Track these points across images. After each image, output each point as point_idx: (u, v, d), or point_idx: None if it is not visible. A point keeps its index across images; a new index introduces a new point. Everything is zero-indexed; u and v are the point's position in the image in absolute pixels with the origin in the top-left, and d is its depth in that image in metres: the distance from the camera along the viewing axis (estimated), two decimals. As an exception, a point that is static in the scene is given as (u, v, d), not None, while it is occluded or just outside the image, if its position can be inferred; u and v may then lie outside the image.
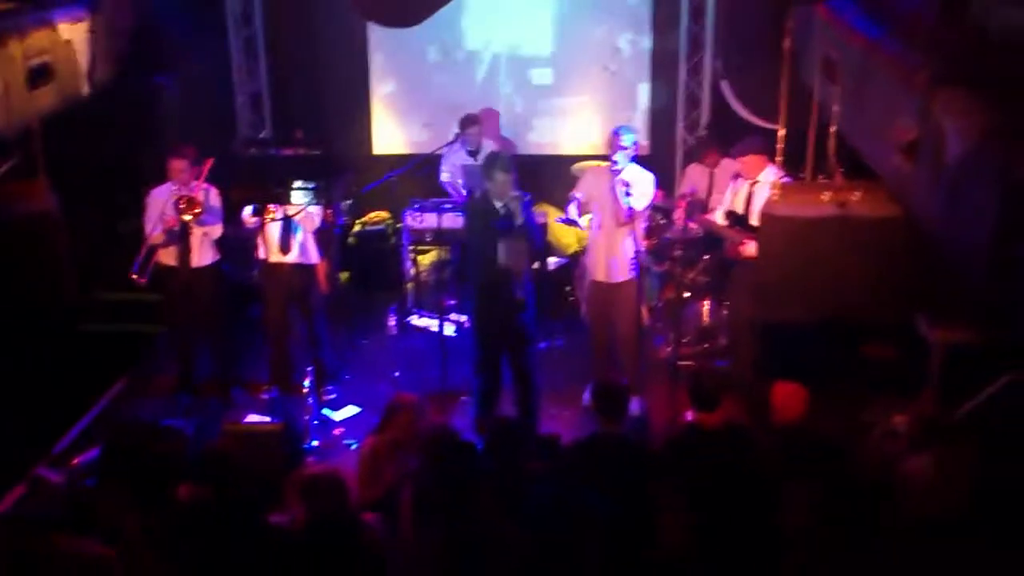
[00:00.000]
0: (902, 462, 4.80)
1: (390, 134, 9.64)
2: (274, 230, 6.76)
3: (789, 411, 5.05)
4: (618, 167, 6.50)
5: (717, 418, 4.93)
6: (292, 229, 6.76)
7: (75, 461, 5.60)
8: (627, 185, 6.47)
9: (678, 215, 7.52)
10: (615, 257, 6.68)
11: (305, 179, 5.31)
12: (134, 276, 6.64)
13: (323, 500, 4.21)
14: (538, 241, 6.24)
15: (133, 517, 4.30)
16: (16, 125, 5.68)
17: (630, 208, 6.49)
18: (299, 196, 5.53)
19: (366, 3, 6.21)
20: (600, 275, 6.79)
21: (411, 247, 8.33)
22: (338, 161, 6.61)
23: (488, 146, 8.37)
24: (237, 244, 7.30)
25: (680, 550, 4.49)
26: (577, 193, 6.78)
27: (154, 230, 6.73)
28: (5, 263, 5.63)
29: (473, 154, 8.27)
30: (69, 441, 6.67)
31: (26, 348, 6.84)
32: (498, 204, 6.12)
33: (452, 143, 8.38)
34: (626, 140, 6.53)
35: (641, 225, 6.93)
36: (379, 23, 8.31)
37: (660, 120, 9.41)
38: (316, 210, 6.67)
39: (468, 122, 8.34)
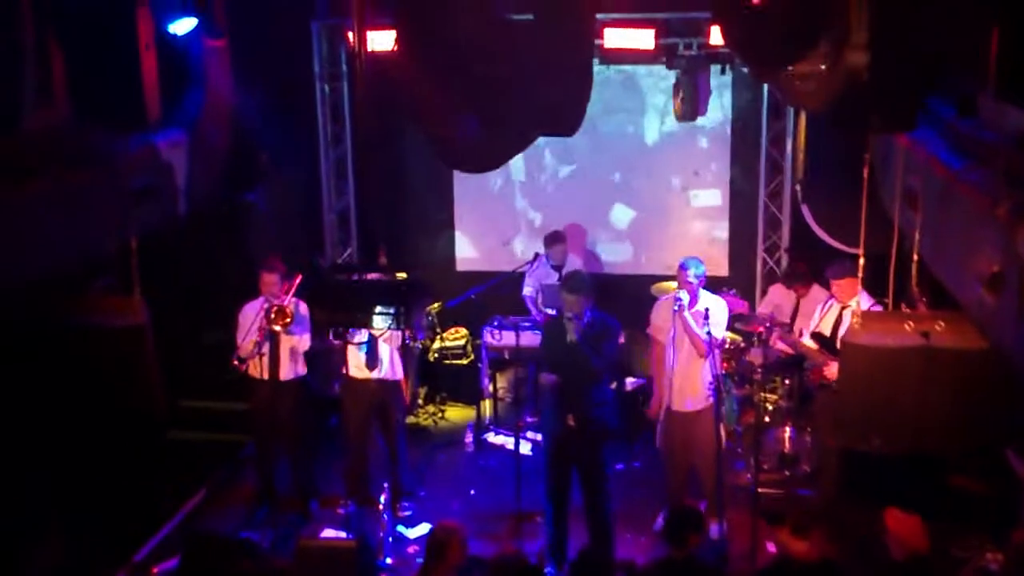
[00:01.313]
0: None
1: (472, 251, 9.85)
2: (359, 347, 6.91)
3: (913, 542, 4.78)
4: (681, 303, 6.46)
5: (809, 549, 4.80)
6: (377, 346, 6.89)
7: (155, 570, 5.68)
8: (704, 317, 6.42)
9: (761, 332, 7.47)
10: (692, 385, 6.59)
11: (386, 305, 5.45)
12: (235, 362, 6.86)
13: None
14: (603, 365, 6.19)
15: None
16: (118, 244, 5.97)
17: (709, 338, 6.45)
18: (380, 321, 5.68)
19: (449, 153, 6.45)
20: (676, 404, 6.69)
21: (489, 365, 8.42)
22: (419, 287, 6.76)
23: (573, 262, 8.46)
24: (323, 357, 7.46)
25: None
26: (649, 329, 6.79)
27: (245, 340, 6.93)
28: (99, 376, 5.84)
29: (558, 269, 8.36)
30: (150, 549, 6.78)
31: (115, 455, 7.02)
32: (568, 325, 6.13)
33: (533, 261, 8.50)
34: (692, 275, 6.50)
35: (717, 351, 6.87)
36: (461, 170, 8.55)
37: (739, 243, 9.46)
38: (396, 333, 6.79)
39: (552, 240, 8.47)
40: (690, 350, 6.52)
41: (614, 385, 8.05)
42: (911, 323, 5.31)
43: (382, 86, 5.91)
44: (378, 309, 5.46)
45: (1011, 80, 4.51)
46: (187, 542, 5.83)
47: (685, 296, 6.48)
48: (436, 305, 8.37)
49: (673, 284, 7.55)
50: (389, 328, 6.18)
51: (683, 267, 6.54)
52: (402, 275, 6.12)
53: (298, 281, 7.04)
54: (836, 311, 6.92)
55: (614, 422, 6.42)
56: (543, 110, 5.63)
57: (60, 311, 5.86)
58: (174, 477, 7.65)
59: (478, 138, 5.66)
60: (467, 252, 9.87)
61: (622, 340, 8.07)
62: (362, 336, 6.81)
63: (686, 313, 6.42)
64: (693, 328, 6.39)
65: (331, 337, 6.74)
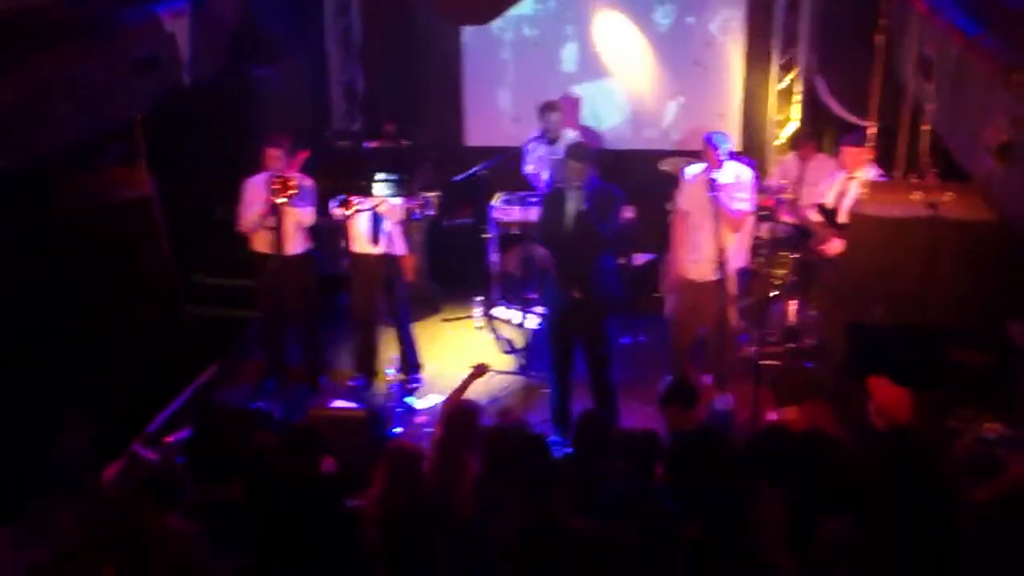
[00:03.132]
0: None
1: (482, 127, 9.73)
2: (362, 221, 6.90)
3: (896, 413, 4.83)
4: (716, 183, 6.32)
5: (802, 418, 4.86)
6: (379, 221, 6.89)
7: (168, 440, 5.82)
8: (727, 189, 6.34)
9: (769, 207, 7.41)
10: (711, 257, 6.52)
11: (388, 171, 5.41)
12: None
13: (402, 469, 4.30)
14: (610, 234, 6.13)
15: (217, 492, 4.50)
16: (120, 114, 5.93)
17: (740, 211, 6.39)
18: (381, 188, 5.63)
19: (441, 1, 6.30)
20: (693, 274, 6.69)
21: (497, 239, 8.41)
22: (420, 153, 6.71)
23: (568, 135, 8.33)
24: (328, 234, 7.47)
25: (776, 545, 4.44)
26: (681, 203, 6.71)
27: (249, 214, 6.93)
28: (107, 246, 5.87)
29: (553, 143, 8.20)
30: (163, 420, 6.92)
31: (129, 328, 7.10)
32: (571, 195, 6.07)
33: (534, 138, 8.40)
34: (723, 150, 6.39)
35: (748, 222, 6.80)
36: (452, 21, 8.36)
37: (752, 115, 9.30)
38: (400, 202, 6.78)
39: (547, 108, 8.25)
40: (714, 223, 6.43)
41: (623, 260, 8.06)
42: (919, 194, 5.27)
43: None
44: (380, 176, 5.43)
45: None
46: (199, 413, 5.95)
47: (718, 175, 6.37)
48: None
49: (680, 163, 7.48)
50: (391, 196, 6.16)
51: (713, 144, 6.38)
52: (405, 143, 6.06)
53: (304, 156, 6.99)
54: (841, 182, 6.84)
55: (620, 293, 6.40)
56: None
57: (67, 185, 5.88)
58: (188, 351, 7.76)
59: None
60: (477, 128, 9.75)
61: (631, 214, 8.09)
62: (363, 205, 6.77)
63: (721, 192, 6.33)
64: (727, 205, 6.32)
65: (335, 204, 6.71)
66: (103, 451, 5.96)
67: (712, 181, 6.33)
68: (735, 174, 6.48)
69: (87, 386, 6.20)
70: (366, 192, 6.52)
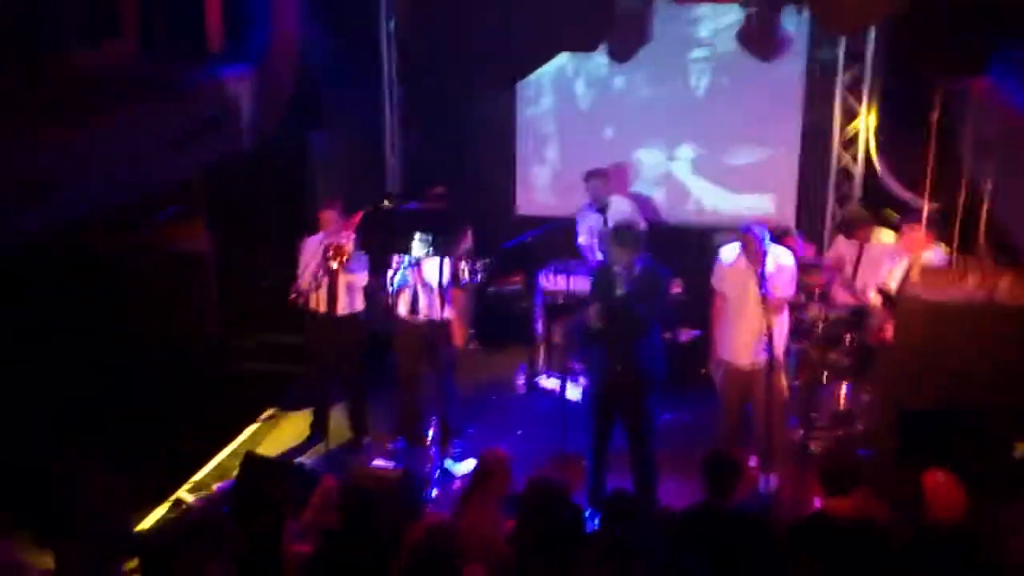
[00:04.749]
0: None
1: (533, 195, 9.80)
2: (407, 289, 6.95)
3: (950, 507, 4.64)
4: (767, 279, 6.27)
5: (849, 506, 4.70)
6: (428, 289, 6.91)
7: (214, 488, 5.85)
8: (769, 277, 6.28)
9: (822, 285, 7.30)
10: (752, 339, 6.45)
11: (424, 231, 5.50)
12: (293, 295, 6.94)
13: (430, 549, 4.24)
14: (655, 314, 6.11)
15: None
16: (182, 172, 6.08)
17: (779, 298, 6.33)
18: (419, 247, 5.74)
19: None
20: (733, 356, 6.60)
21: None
22: (460, 216, 6.79)
23: (616, 203, 8.33)
24: (379, 296, 7.52)
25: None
26: (718, 286, 6.68)
27: (303, 275, 7.01)
28: (160, 296, 5.98)
29: (601, 211, 8.23)
30: (210, 470, 6.97)
31: (180, 381, 7.20)
32: (617, 275, 6.07)
33: (584, 208, 8.41)
34: (765, 244, 6.32)
35: (786, 306, 6.74)
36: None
37: (810, 193, 9.23)
38: (441, 264, 6.76)
39: (591, 176, 8.29)
40: (754, 308, 6.37)
41: (668, 335, 7.98)
42: (975, 277, 5.15)
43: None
44: (417, 235, 5.51)
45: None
46: (243, 464, 5.97)
47: (752, 256, 6.32)
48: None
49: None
50: (428, 255, 6.23)
51: (756, 237, 6.32)
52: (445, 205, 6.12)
53: (357, 218, 7.09)
54: (905, 266, 6.70)
55: (662, 372, 6.33)
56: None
57: (127, 238, 6.02)
58: (234, 405, 7.83)
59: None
60: (527, 198, 9.82)
61: (678, 289, 8.03)
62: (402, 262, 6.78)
63: (755, 278, 6.26)
64: (771, 292, 6.24)
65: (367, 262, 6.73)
66: (148, 497, 6.03)
67: (761, 277, 6.25)
68: (776, 262, 6.41)
69: (134, 433, 6.27)
70: (404, 250, 6.58)
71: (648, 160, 9.47)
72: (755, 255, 6.32)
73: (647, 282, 6.06)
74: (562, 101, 9.58)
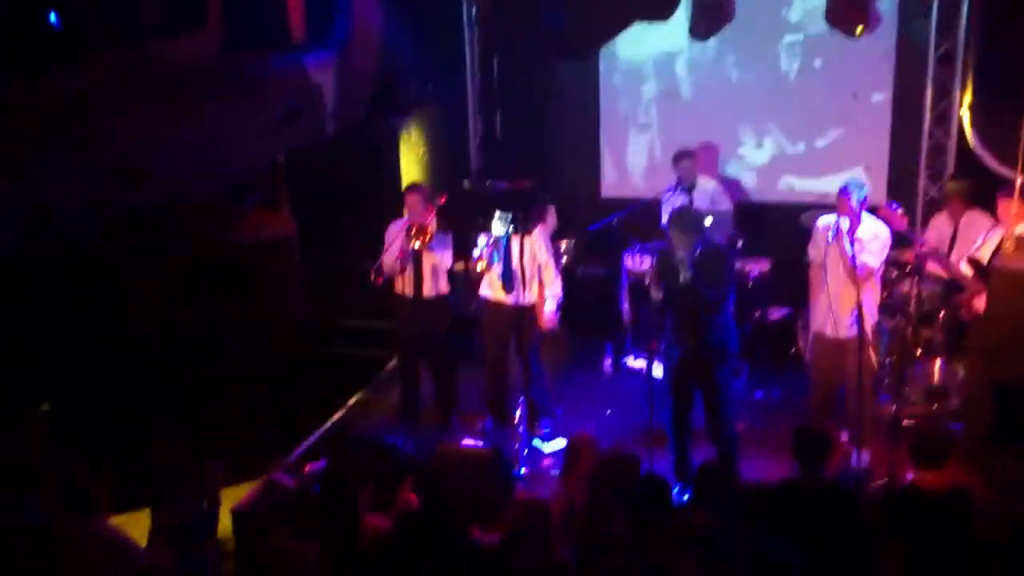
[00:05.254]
0: None
1: (620, 177, 9.77)
2: (496, 269, 7.01)
3: None
4: (839, 230, 6.25)
5: (942, 480, 4.62)
6: (513, 270, 6.96)
7: (307, 469, 6.01)
8: (860, 242, 6.23)
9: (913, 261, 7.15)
10: (844, 312, 6.40)
11: (504, 209, 5.57)
12: (373, 275, 7.00)
13: (527, 524, 4.30)
14: (721, 293, 6.10)
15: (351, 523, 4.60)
16: (266, 159, 6.25)
17: (864, 266, 6.24)
18: (499, 224, 5.80)
19: None
20: (828, 329, 6.55)
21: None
22: (541, 194, 6.83)
23: (703, 183, 8.27)
24: (463, 278, 7.61)
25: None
26: (813, 256, 6.62)
27: (388, 257, 7.14)
28: (249, 282, 6.16)
29: (689, 191, 8.18)
30: (303, 450, 7.16)
31: (276, 366, 7.40)
32: (678, 260, 6.06)
33: (670, 189, 8.37)
34: (855, 200, 6.26)
35: (878, 279, 6.64)
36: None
37: (902, 170, 9.02)
38: (523, 243, 6.80)
39: (679, 157, 8.25)
40: (844, 277, 6.32)
41: (758, 314, 7.91)
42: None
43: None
44: (497, 213, 5.57)
45: None
46: (334, 444, 6.12)
47: (845, 223, 6.27)
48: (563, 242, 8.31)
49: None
50: (508, 232, 6.29)
51: (845, 193, 6.30)
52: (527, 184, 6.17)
53: (442, 201, 7.18)
54: (998, 238, 6.52)
55: (734, 345, 6.33)
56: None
57: (213, 226, 6.21)
58: (325, 389, 8.02)
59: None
60: (612, 179, 9.80)
61: (766, 268, 7.94)
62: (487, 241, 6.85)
63: (845, 240, 6.22)
64: (848, 255, 6.20)
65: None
66: (241, 476, 6.23)
67: (835, 227, 6.23)
68: (872, 230, 6.33)
69: (229, 415, 6.48)
70: (485, 227, 6.63)
71: (738, 142, 9.36)
72: (844, 210, 6.27)
73: (708, 263, 6.06)
74: (646, 84, 9.52)
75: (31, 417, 5.20)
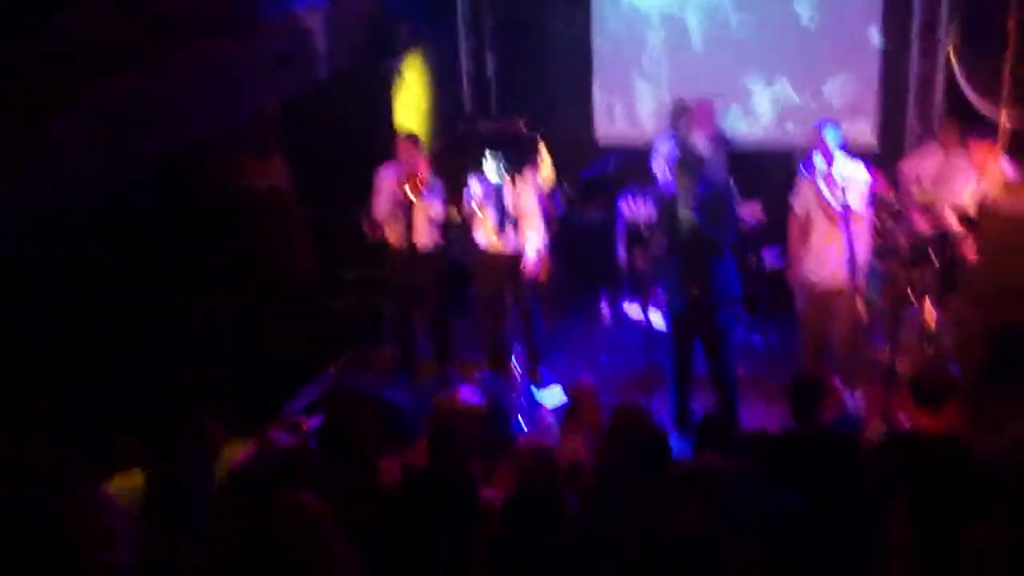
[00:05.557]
0: None
1: (614, 121, 9.68)
2: (489, 215, 6.96)
3: None
4: (815, 170, 6.24)
5: (940, 423, 4.64)
6: (507, 215, 6.93)
7: (303, 425, 6.01)
8: (838, 184, 6.20)
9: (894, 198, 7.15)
10: (829, 259, 6.41)
11: (495, 149, 5.52)
12: (366, 224, 6.96)
13: (535, 474, 4.32)
14: (725, 235, 6.10)
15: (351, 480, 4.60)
16: (258, 106, 6.13)
17: (845, 208, 6.21)
18: (490, 165, 5.77)
19: None
20: (815, 276, 6.57)
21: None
22: (530, 137, 6.77)
23: (698, 141, 8.21)
24: (458, 226, 7.56)
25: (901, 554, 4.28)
26: (795, 204, 6.60)
27: (380, 206, 7.07)
28: (242, 233, 6.07)
29: (685, 143, 8.10)
30: (299, 406, 7.15)
31: (269, 317, 7.35)
32: (681, 202, 6.05)
33: (662, 134, 8.30)
34: (830, 138, 6.24)
35: (865, 223, 6.63)
36: None
37: (889, 108, 8.95)
38: (516, 186, 6.72)
39: (677, 113, 8.21)
40: (827, 221, 6.31)
41: (754, 260, 7.91)
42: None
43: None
44: (488, 153, 5.54)
45: None
46: (331, 399, 6.11)
47: (820, 162, 6.23)
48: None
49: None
50: (499, 172, 6.25)
51: (818, 129, 6.30)
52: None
53: (436, 151, 7.10)
54: (978, 183, 6.51)
55: (737, 290, 6.34)
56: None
57: (206, 175, 6.12)
58: (321, 340, 7.99)
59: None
60: (606, 124, 9.70)
61: (760, 215, 7.93)
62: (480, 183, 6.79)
63: (819, 181, 6.20)
64: (826, 197, 6.18)
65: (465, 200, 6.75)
66: (238, 432, 6.20)
67: (808, 164, 6.21)
68: (850, 171, 6.30)
69: (221, 372, 6.44)
70: (476, 168, 6.58)
71: (738, 92, 9.28)
72: (821, 150, 6.24)
73: (711, 205, 6.04)
74: (639, 29, 9.40)
75: (31, 417, 5.14)
